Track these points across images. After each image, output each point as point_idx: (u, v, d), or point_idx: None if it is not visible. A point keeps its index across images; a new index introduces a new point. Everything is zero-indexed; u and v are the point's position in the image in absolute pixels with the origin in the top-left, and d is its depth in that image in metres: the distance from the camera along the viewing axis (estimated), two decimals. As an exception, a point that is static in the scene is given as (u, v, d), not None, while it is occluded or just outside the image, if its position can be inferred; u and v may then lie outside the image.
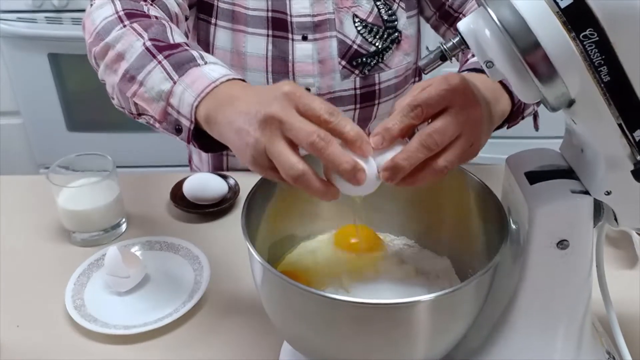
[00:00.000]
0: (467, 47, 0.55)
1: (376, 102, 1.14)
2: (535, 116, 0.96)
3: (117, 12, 0.87)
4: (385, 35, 1.08)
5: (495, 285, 0.63)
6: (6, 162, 2.27)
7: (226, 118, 0.66)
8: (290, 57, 1.07)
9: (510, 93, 0.78)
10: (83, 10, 2.01)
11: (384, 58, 1.10)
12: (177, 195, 1.06)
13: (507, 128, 0.85)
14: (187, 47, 0.79)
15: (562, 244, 0.60)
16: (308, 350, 0.66)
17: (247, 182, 1.06)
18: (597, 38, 0.47)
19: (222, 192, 1.05)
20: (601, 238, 0.65)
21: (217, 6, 1.07)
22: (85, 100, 2.23)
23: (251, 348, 0.79)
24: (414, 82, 1.20)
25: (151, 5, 0.93)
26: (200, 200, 1.03)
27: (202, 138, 0.74)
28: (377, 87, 1.11)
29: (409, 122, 0.62)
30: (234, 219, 1.03)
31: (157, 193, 1.08)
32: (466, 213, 0.72)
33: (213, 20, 1.09)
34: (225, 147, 0.70)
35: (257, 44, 1.07)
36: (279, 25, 1.06)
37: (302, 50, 1.07)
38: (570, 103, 0.52)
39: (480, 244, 0.68)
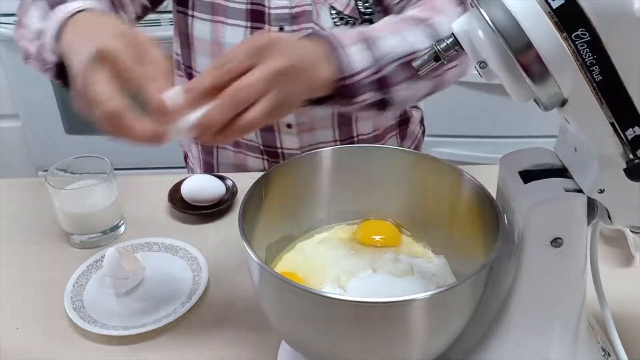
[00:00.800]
0: (461, 47, 0.55)
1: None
2: (385, 105, 0.86)
3: None
4: None
5: (490, 284, 0.64)
6: (5, 165, 2.27)
7: (77, 41, 0.69)
8: None
9: (340, 67, 0.77)
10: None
11: None
12: (175, 196, 1.06)
13: (335, 108, 0.85)
14: None
15: (556, 242, 0.60)
16: (306, 349, 0.66)
17: (244, 183, 1.07)
18: (589, 38, 0.48)
19: (220, 194, 1.05)
20: (595, 236, 0.65)
21: None
22: (83, 103, 2.23)
23: (249, 348, 0.80)
24: None
25: None
26: (198, 201, 1.04)
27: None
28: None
29: (216, 80, 0.64)
30: (232, 220, 1.03)
31: (155, 195, 1.08)
32: (461, 212, 0.72)
33: (190, 12, 1.10)
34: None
35: (236, 35, 1.08)
36: (256, 16, 1.06)
37: None
38: (563, 103, 0.52)
39: (475, 243, 0.69)
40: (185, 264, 0.92)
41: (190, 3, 1.09)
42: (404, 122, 1.28)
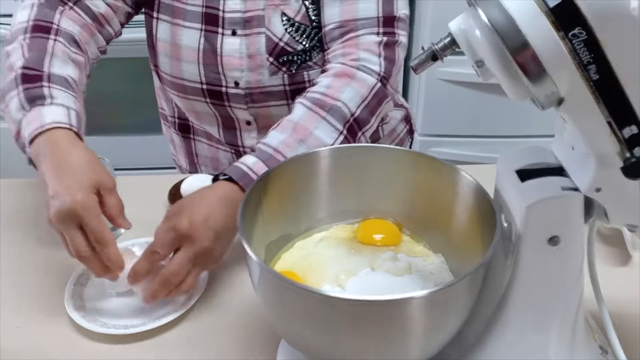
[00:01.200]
0: (458, 46, 0.56)
1: None
2: None
3: (27, 21, 0.98)
4: (312, 35, 1.08)
5: (488, 282, 0.64)
6: (6, 165, 2.27)
7: (45, 175, 0.82)
8: (219, 51, 1.10)
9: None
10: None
11: (312, 57, 1.10)
12: (175, 196, 1.06)
13: None
14: (47, 84, 0.91)
15: (553, 241, 0.60)
16: (305, 348, 0.67)
17: (243, 182, 1.07)
18: (586, 37, 0.48)
19: (220, 193, 1.05)
20: (592, 234, 0.66)
21: (160, 1, 1.12)
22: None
23: (249, 346, 0.80)
24: None
25: (70, 9, 1.02)
26: (197, 201, 1.04)
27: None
28: (307, 84, 1.11)
29: (152, 265, 0.82)
30: (231, 220, 1.03)
31: (155, 195, 1.09)
32: (459, 211, 0.72)
33: (155, 14, 1.13)
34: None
35: (191, 37, 1.10)
36: (211, 20, 1.09)
37: (230, 45, 1.09)
38: (560, 101, 0.53)
39: (473, 241, 0.69)
40: (184, 263, 0.92)
41: (155, 6, 1.12)
42: None
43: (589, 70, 0.49)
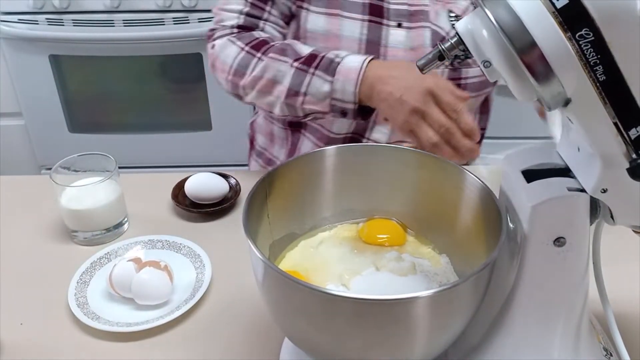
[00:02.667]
0: (465, 46, 0.55)
1: None
2: None
3: (243, 49, 1.11)
4: None
5: (493, 283, 0.64)
6: (8, 163, 2.28)
7: (385, 92, 0.98)
8: (383, 42, 1.12)
9: None
10: (84, 12, 2.04)
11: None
12: (178, 194, 1.06)
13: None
14: (318, 53, 1.06)
15: (559, 242, 0.60)
16: (308, 346, 0.67)
17: (247, 181, 1.07)
18: (593, 38, 0.48)
19: (223, 192, 1.05)
20: (598, 235, 0.66)
21: None
22: (86, 102, 2.24)
23: (252, 345, 0.80)
24: (495, 82, 1.20)
25: (261, 30, 1.17)
26: (201, 199, 1.04)
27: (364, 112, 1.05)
28: (462, 81, 1.13)
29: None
30: (235, 218, 1.03)
31: (159, 192, 1.09)
32: (464, 211, 0.72)
33: (306, 6, 1.15)
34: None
35: (353, 28, 1.12)
36: (375, 11, 1.11)
37: (395, 37, 1.12)
38: (567, 102, 0.52)
39: (478, 242, 0.69)
40: (188, 261, 0.93)
41: None
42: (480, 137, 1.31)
43: (595, 71, 0.49)
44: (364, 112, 1.05)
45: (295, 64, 1.06)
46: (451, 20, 1.09)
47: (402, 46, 1.12)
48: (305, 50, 1.08)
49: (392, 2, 1.11)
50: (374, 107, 1.03)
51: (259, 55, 1.09)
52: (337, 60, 1.03)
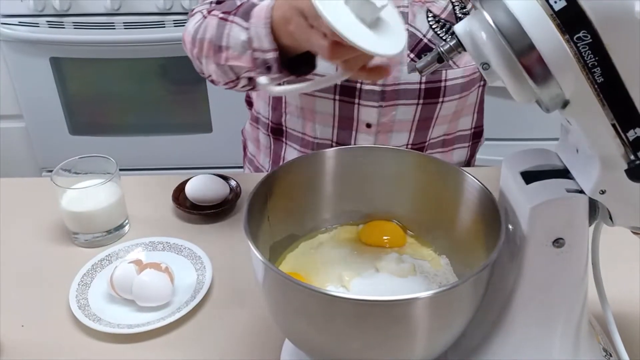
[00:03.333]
0: (464, 49, 0.56)
1: (440, 99, 1.12)
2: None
3: (205, 16, 0.98)
4: None
5: (492, 284, 0.64)
6: (9, 165, 2.28)
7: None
8: None
9: None
10: (85, 14, 2.04)
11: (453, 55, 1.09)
12: (179, 196, 1.07)
13: None
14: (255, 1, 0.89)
15: (558, 243, 0.61)
16: (309, 347, 0.67)
17: (248, 183, 1.08)
18: (591, 40, 0.48)
19: (224, 194, 1.05)
20: (597, 236, 0.66)
21: None
22: (87, 104, 2.24)
23: (253, 347, 0.80)
24: (480, 86, 1.20)
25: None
26: (202, 201, 1.04)
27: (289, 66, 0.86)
28: (442, 84, 1.10)
29: None
30: (236, 220, 1.04)
31: (160, 195, 1.09)
32: (464, 212, 0.73)
33: None
34: (309, 65, 0.86)
35: None
36: None
37: None
38: (565, 104, 0.53)
39: (477, 243, 0.69)
40: (189, 263, 0.93)
41: None
42: (477, 134, 1.27)
43: (593, 73, 0.49)
44: (296, 64, 0.87)
45: (220, 14, 0.93)
46: (429, 21, 1.06)
47: None
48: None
49: None
50: (302, 52, 0.84)
51: (206, 14, 0.98)
52: (257, 2, 0.88)
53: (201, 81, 2.10)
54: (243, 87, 0.97)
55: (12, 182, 1.15)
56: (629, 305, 0.83)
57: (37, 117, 2.22)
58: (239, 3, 0.95)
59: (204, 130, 2.23)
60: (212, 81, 1.01)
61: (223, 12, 0.93)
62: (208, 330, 0.83)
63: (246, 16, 0.88)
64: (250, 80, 0.94)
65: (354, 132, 1.16)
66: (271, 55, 0.85)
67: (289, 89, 0.78)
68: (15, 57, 2.08)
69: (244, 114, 1.36)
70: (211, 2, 1.05)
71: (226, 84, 0.98)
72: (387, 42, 0.66)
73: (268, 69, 0.86)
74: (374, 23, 0.67)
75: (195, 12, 1.04)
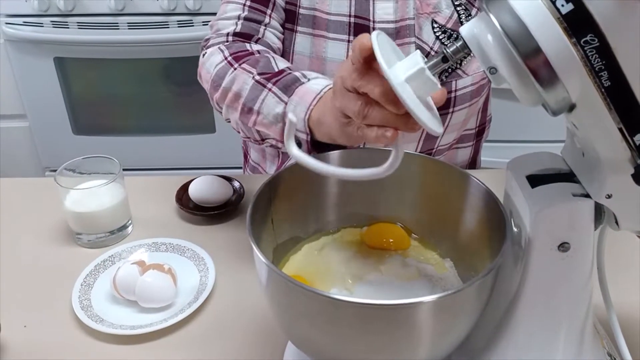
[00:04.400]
0: (470, 51, 0.56)
1: (450, 110, 1.11)
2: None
3: (225, 58, 0.99)
4: None
5: (497, 288, 0.64)
6: (12, 165, 2.28)
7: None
8: None
9: None
10: (89, 15, 2.04)
11: (462, 64, 1.08)
12: (182, 197, 1.07)
13: None
14: (290, 71, 0.91)
15: (563, 247, 0.60)
16: (312, 350, 0.67)
17: (251, 185, 1.07)
18: (598, 43, 0.48)
19: (227, 195, 1.05)
20: (602, 241, 0.66)
21: (299, 13, 1.08)
22: (91, 104, 2.25)
23: (256, 348, 0.80)
24: (487, 91, 1.19)
25: (255, 43, 1.03)
26: (205, 202, 1.04)
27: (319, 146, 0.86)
28: (453, 94, 1.09)
29: None
30: (239, 222, 1.03)
31: (163, 195, 1.09)
32: (469, 215, 0.72)
33: (294, 27, 1.09)
34: (335, 147, 0.82)
35: (338, 50, 1.07)
36: (360, 31, 1.05)
37: None
38: (571, 107, 0.52)
39: (482, 247, 0.69)
40: (192, 264, 0.93)
41: (296, 19, 1.09)
42: (481, 132, 1.27)
43: (600, 76, 0.49)
44: (322, 146, 0.87)
45: (258, 77, 0.93)
46: (435, 31, 1.05)
47: None
48: (282, 65, 0.95)
49: (378, 21, 1.05)
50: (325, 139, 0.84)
51: (236, 65, 0.97)
52: (303, 80, 0.89)
53: (205, 82, 2.10)
54: (266, 146, 0.98)
55: (16, 182, 1.15)
56: (634, 310, 0.83)
57: (40, 117, 2.22)
58: (276, 69, 0.94)
59: (207, 131, 2.23)
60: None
61: (260, 75, 0.92)
62: (210, 332, 0.83)
63: (287, 90, 0.88)
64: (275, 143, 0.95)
65: (362, 146, 1.15)
66: (303, 136, 0.86)
67: (331, 172, 0.67)
68: (20, 57, 2.08)
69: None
70: (228, 34, 1.04)
71: (247, 138, 0.98)
72: (435, 117, 0.65)
73: (299, 145, 0.87)
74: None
75: (211, 45, 1.04)
